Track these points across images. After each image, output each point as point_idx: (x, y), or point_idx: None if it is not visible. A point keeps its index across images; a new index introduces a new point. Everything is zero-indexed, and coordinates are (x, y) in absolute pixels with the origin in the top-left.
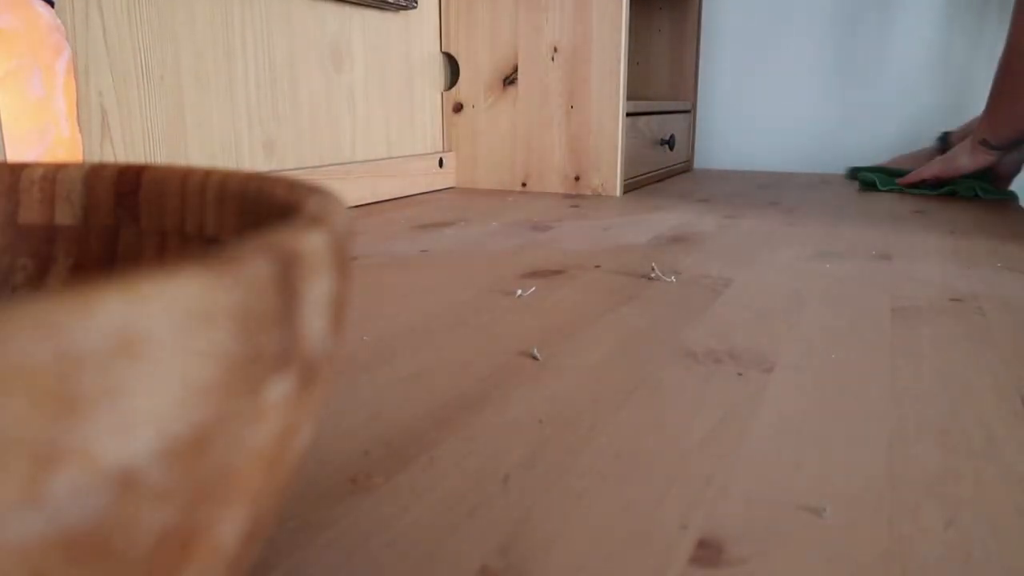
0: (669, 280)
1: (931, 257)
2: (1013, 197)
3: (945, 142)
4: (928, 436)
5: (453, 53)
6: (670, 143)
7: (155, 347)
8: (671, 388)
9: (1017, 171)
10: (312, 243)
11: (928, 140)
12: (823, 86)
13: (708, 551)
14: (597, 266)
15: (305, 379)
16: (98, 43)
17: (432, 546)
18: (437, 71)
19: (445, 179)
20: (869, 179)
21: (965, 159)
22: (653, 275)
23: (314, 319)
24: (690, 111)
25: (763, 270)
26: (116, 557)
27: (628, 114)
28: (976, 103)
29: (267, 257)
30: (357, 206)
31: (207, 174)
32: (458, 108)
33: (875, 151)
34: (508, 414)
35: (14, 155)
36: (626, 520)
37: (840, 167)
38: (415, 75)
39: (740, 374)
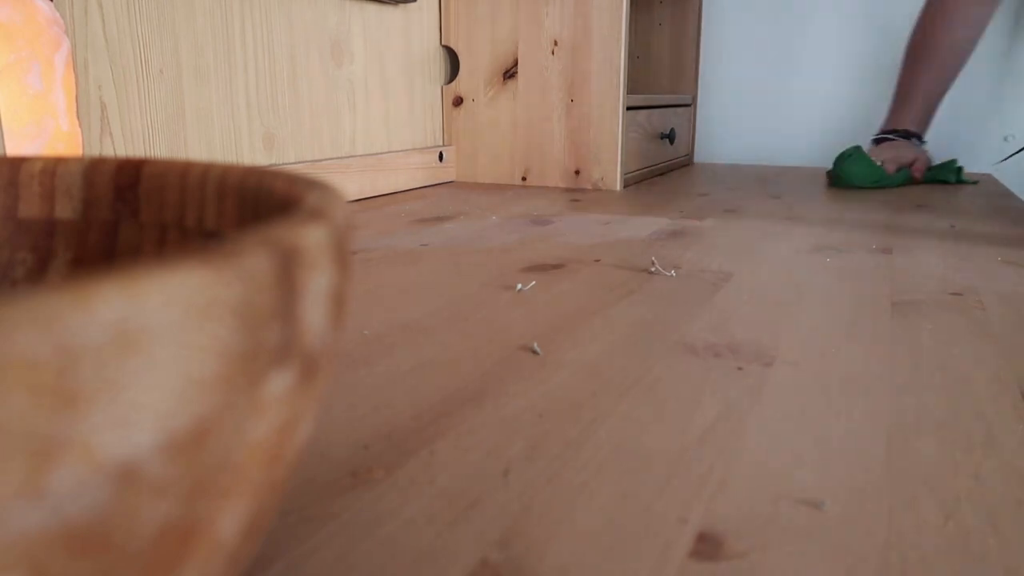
0: (669, 274)
1: (932, 251)
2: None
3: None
4: (927, 430)
5: (453, 47)
6: (670, 137)
7: (155, 341)
8: (671, 382)
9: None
10: (312, 237)
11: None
12: (824, 80)
13: (708, 545)
14: (597, 260)
15: (305, 373)
16: (97, 37)
17: (432, 539)
18: (437, 65)
19: (445, 173)
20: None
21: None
22: (653, 269)
23: (314, 313)
24: (691, 105)
25: (763, 264)
26: (117, 550)
27: (628, 108)
28: (974, 96)
29: (267, 251)
30: (357, 200)
31: (207, 168)
32: (458, 102)
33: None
34: (508, 408)
35: (13, 149)
36: (626, 514)
37: None
38: (415, 69)
39: (740, 368)
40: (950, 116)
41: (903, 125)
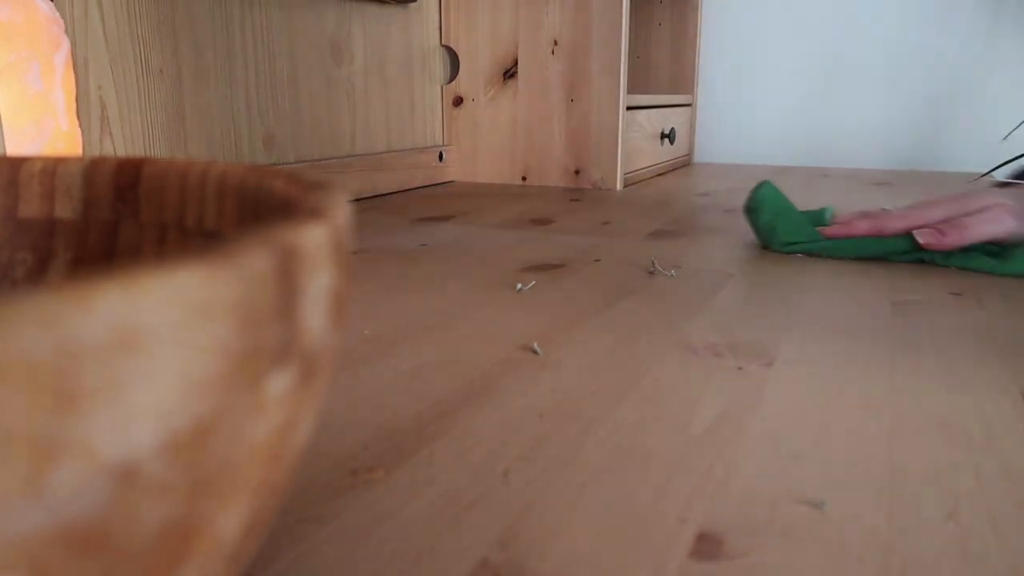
0: (669, 274)
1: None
2: None
3: None
4: (928, 429)
5: (453, 47)
6: (670, 137)
7: (155, 341)
8: (671, 382)
9: None
10: (312, 237)
11: (920, 136)
12: (824, 80)
13: (708, 544)
14: (597, 260)
15: (305, 373)
16: (97, 37)
17: (432, 539)
18: (437, 65)
19: (445, 173)
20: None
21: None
22: (653, 269)
23: (314, 313)
24: (690, 105)
25: (763, 264)
26: (117, 550)
27: (628, 108)
28: (979, 99)
29: (267, 251)
30: (357, 200)
31: (207, 168)
32: (458, 102)
33: (876, 144)
34: (508, 408)
35: (13, 149)
36: (626, 513)
37: (841, 161)
38: (415, 69)
39: (740, 368)
40: (948, 115)
41: None
